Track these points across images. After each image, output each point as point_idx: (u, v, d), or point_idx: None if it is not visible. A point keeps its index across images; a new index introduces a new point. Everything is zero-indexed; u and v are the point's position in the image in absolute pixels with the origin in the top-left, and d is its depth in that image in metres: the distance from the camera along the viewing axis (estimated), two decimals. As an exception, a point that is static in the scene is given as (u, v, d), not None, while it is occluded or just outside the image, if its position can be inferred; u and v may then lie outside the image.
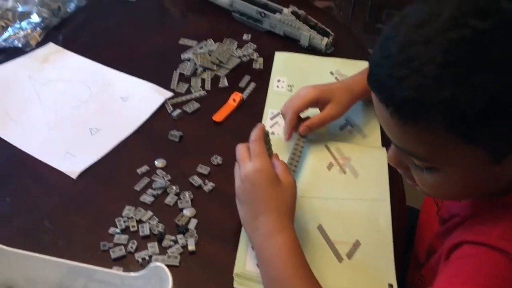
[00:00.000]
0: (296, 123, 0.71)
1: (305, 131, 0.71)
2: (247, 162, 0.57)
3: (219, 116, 0.79)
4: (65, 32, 0.96)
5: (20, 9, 0.92)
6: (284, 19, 0.94)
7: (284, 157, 0.70)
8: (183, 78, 0.87)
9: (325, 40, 0.92)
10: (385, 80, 0.42)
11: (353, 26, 2.08)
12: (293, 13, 0.95)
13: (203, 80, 0.86)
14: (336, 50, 0.94)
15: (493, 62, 0.38)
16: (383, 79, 0.42)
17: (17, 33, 0.88)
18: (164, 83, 0.85)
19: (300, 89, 0.72)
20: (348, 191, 0.68)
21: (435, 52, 0.39)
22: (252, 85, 0.86)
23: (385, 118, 0.44)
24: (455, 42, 0.38)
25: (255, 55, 0.92)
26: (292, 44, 0.95)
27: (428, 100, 0.40)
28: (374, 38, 1.93)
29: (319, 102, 0.71)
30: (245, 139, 0.76)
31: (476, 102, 0.38)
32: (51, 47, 0.90)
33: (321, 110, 0.72)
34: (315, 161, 0.72)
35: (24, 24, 0.90)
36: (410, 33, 0.41)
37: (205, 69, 0.88)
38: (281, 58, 0.92)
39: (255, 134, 0.60)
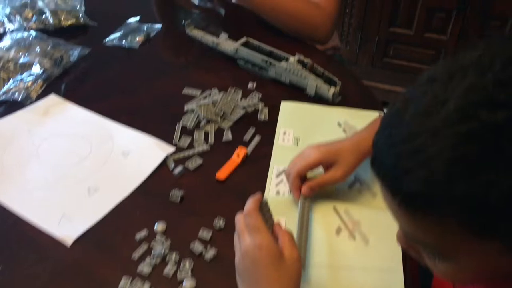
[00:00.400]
0: (299, 185, 0.68)
1: (307, 193, 0.68)
2: (246, 237, 0.54)
3: (222, 174, 0.76)
4: (67, 82, 0.94)
5: (21, 60, 0.91)
6: (290, 68, 0.92)
7: (292, 217, 0.67)
8: (185, 131, 0.84)
9: (332, 89, 0.89)
10: (391, 171, 0.39)
11: (359, 60, 2.07)
12: (299, 61, 0.92)
13: (206, 133, 0.84)
14: (343, 98, 0.91)
15: (506, 158, 0.34)
16: (388, 169, 0.40)
17: (18, 85, 0.87)
18: (166, 136, 0.82)
19: (304, 149, 0.70)
20: (358, 260, 0.64)
21: (442, 146, 0.36)
22: (257, 138, 0.83)
23: (392, 206, 0.42)
24: (463, 137, 0.35)
25: (260, 105, 0.90)
26: (298, 93, 0.93)
27: (437, 196, 0.36)
28: (381, 72, 1.91)
29: (323, 163, 0.68)
30: (248, 196, 0.73)
31: (489, 199, 0.35)
32: (52, 99, 0.89)
33: (326, 170, 0.69)
34: (323, 225, 0.68)
35: (25, 75, 0.89)
36: (415, 122, 0.38)
37: (208, 121, 0.86)
38: (287, 108, 0.90)
39: (248, 207, 0.57)
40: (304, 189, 0.68)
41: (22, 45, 0.93)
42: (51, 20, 1.03)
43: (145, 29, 1.08)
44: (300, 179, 0.68)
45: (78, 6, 1.10)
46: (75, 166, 0.77)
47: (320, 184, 0.68)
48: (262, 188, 0.74)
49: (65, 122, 0.84)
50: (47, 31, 1.04)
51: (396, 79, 2.05)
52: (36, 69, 0.89)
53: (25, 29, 1.01)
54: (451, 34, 1.84)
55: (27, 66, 0.90)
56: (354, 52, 2.06)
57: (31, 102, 0.87)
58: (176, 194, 0.72)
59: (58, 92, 0.91)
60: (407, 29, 1.91)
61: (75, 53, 0.98)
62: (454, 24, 1.82)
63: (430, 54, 1.93)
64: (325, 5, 1.03)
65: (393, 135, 0.39)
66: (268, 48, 0.97)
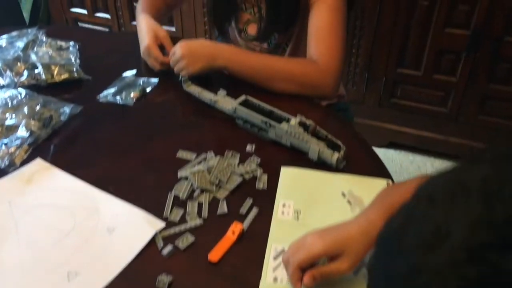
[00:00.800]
0: (300, 277, 0.62)
1: (309, 284, 0.61)
2: None
3: (215, 255, 0.69)
4: (55, 144, 0.89)
5: (7, 121, 0.86)
6: (291, 131, 0.87)
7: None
8: (178, 201, 0.78)
9: (336, 155, 0.83)
10: None
11: (366, 100, 2.02)
12: (301, 123, 0.87)
13: (200, 204, 0.78)
14: (348, 162, 0.85)
15: None
16: None
17: (1, 150, 0.82)
18: (157, 207, 0.76)
19: (307, 236, 0.63)
20: None
21: None
22: (255, 211, 0.77)
23: None
24: (471, 283, 0.30)
25: (258, 172, 0.84)
26: (300, 156, 0.87)
27: None
28: (389, 112, 1.84)
29: (328, 255, 0.61)
30: (243, 283, 0.66)
31: None
32: (37, 163, 0.83)
33: (330, 261, 0.63)
34: (325, 322, 0.61)
35: (10, 139, 0.84)
36: (415, 255, 0.33)
37: (203, 190, 0.80)
38: (287, 175, 0.84)
39: None
40: (307, 279, 0.61)
41: (10, 105, 0.89)
42: (43, 76, 0.99)
43: (141, 83, 1.03)
44: (301, 270, 0.62)
45: (73, 59, 1.06)
46: (56, 245, 0.71)
47: (324, 275, 0.62)
48: (258, 272, 0.67)
49: (49, 192, 0.79)
50: (39, 87, 1.00)
51: (404, 120, 1.99)
52: (22, 132, 0.85)
53: (15, 86, 0.97)
54: (461, 76, 1.79)
55: (14, 129, 0.86)
56: (361, 92, 2.01)
57: (15, 169, 0.82)
58: (164, 280, 0.66)
59: (45, 155, 0.86)
60: (416, 70, 1.86)
61: (66, 111, 0.93)
62: (463, 65, 1.76)
63: (439, 95, 1.88)
64: (324, 62, 0.98)
65: (392, 267, 0.35)
66: (268, 107, 0.92)
